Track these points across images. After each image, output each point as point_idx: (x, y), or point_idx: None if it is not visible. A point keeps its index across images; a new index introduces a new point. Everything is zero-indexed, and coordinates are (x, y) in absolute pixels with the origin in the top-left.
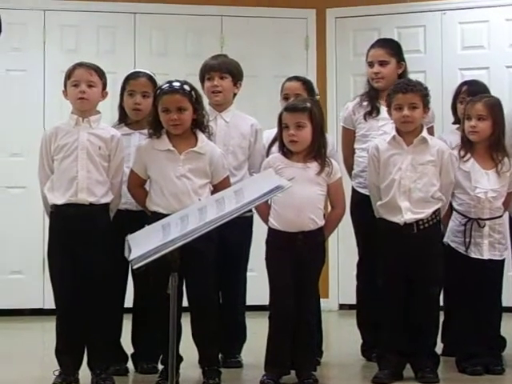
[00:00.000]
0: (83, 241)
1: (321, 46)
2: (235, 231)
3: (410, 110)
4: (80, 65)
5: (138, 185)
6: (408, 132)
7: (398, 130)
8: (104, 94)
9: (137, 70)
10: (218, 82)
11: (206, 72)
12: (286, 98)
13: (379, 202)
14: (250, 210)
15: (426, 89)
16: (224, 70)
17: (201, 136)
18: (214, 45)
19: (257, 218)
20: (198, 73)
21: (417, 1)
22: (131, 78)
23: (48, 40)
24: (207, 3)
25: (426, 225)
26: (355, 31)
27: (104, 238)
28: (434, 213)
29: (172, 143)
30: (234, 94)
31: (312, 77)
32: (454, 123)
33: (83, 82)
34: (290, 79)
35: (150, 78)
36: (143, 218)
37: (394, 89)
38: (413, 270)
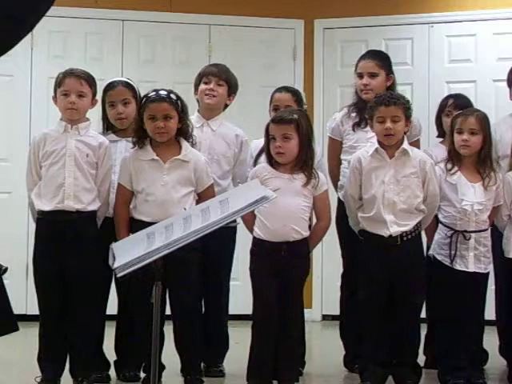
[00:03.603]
0: (69, 248)
1: (308, 57)
2: (218, 240)
3: (392, 122)
4: (71, 73)
5: (125, 201)
6: (390, 144)
7: (380, 143)
8: (94, 102)
9: (113, 79)
10: (215, 87)
11: (205, 76)
12: (275, 108)
13: (362, 214)
14: (235, 220)
15: (407, 102)
16: (223, 78)
17: (185, 144)
18: (202, 54)
19: (241, 228)
20: (195, 77)
21: (405, 13)
22: (109, 89)
23: (35, 46)
24: (195, 12)
25: (409, 236)
26: (343, 42)
27: (90, 246)
28: (416, 224)
29: (156, 152)
30: (226, 106)
31: (299, 87)
32: (438, 136)
33: (73, 92)
34: (279, 90)
35: (127, 85)
36: (130, 225)
37: (377, 101)
38: (395, 280)
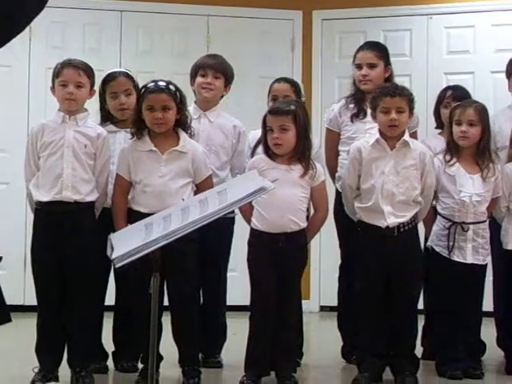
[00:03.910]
0: (67, 238)
1: (306, 48)
2: (216, 231)
3: (397, 113)
4: (69, 64)
5: (123, 191)
6: (393, 136)
7: (381, 134)
8: (92, 93)
9: (113, 70)
10: (212, 80)
11: (201, 68)
12: (274, 99)
13: (359, 205)
14: (233, 211)
15: (411, 94)
16: (219, 70)
17: (183, 135)
18: (200, 44)
19: (239, 218)
20: (191, 68)
21: (403, 4)
22: (110, 79)
23: (34, 36)
24: (194, 2)
25: (406, 228)
26: (341, 33)
27: (88, 236)
28: (413, 216)
29: (154, 143)
30: (221, 96)
31: (297, 78)
32: (437, 128)
33: (71, 82)
34: (278, 81)
35: (128, 75)
36: (128, 216)
37: (381, 92)
38: (392, 272)
